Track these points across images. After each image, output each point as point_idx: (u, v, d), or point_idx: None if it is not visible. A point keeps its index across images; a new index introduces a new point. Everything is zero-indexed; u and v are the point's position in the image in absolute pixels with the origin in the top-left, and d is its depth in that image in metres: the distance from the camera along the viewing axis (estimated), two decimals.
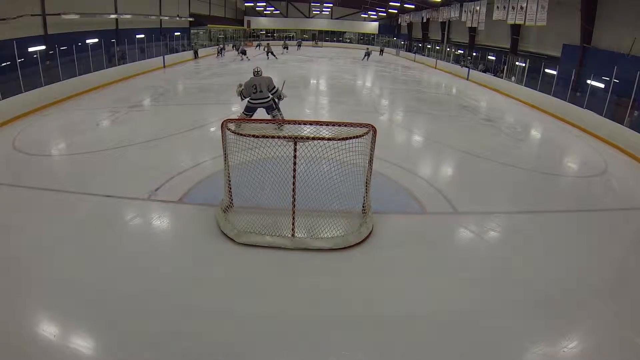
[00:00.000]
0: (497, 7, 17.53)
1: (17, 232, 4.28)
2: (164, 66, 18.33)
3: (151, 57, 17.65)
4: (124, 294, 3.43)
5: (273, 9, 39.00)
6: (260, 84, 7.28)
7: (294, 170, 4.20)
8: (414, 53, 29.80)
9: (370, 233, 4.44)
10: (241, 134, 4.21)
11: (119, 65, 14.75)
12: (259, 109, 7.44)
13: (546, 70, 14.13)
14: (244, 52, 23.47)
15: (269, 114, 7.50)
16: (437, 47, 27.50)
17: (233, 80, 14.17)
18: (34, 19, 13.36)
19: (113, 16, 18.12)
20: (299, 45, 34.42)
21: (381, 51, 33.14)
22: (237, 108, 10.95)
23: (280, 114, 7.62)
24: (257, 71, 7.52)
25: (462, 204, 5.38)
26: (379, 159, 5.30)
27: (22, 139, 7.33)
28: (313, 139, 4.47)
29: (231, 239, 4.22)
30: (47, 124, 8.65)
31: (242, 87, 7.37)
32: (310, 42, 39.13)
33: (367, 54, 27.00)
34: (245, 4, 37.68)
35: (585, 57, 13.82)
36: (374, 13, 37.78)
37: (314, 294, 3.58)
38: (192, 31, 27.44)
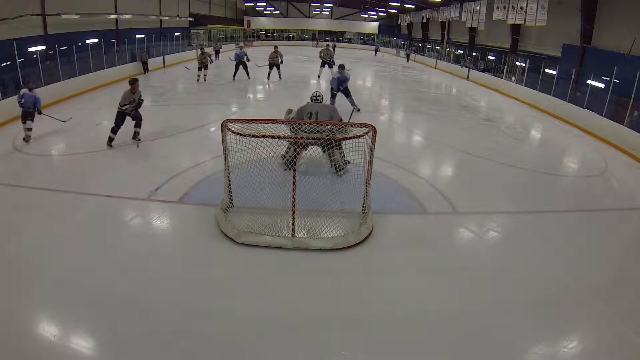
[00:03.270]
0: (497, 7, 17.54)
1: (17, 232, 4.28)
2: (164, 66, 18.32)
3: (151, 57, 17.63)
4: (124, 294, 3.43)
5: (273, 9, 39.02)
6: (318, 114, 5.70)
7: (294, 170, 4.20)
8: (414, 53, 29.79)
9: (370, 233, 4.44)
10: (241, 134, 4.21)
11: (119, 65, 14.76)
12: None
13: (546, 70, 14.14)
14: (205, 66, 14.35)
15: (324, 152, 5.65)
16: (437, 47, 27.48)
17: (233, 80, 14.20)
18: (34, 19, 13.36)
19: (113, 16, 18.12)
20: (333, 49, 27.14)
21: (407, 57, 28.30)
22: (236, 108, 10.97)
23: (342, 155, 5.69)
24: (317, 96, 6.03)
25: (462, 204, 5.38)
26: (379, 159, 5.30)
27: (22, 139, 7.32)
28: (313, 139, 4.48)
29: (231, 239, 4.22)
30: (47, 123, 8.63)
31: (293, 113, 5.99)
32: (310, 42, 39.09)
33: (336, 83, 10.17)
34: (245, 4, 37.69)
35: (585, 57, 13.82)
36: (374, 13, 37.79)
37: (314, 294, 3.58)
38: (192, 31, 27.42)
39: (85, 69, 12.40)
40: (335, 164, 5.78)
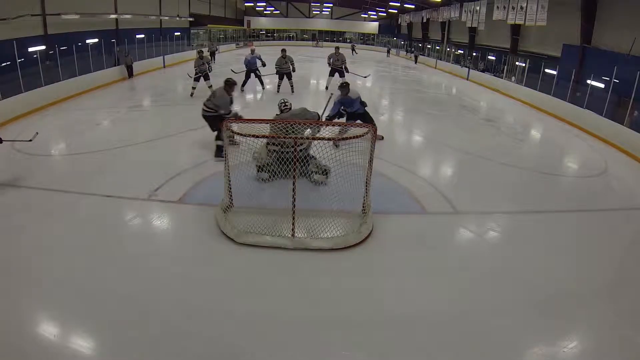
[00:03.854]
0: (497, 7, 17.55)
1: (17, 232, 4.28)
2: (164, 66, 18.33)
3: (151, 57, 17.64)
4: (124, 293, 3.43)
5: (273, 9, 39.05)
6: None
7: (294, 170, 4.20)
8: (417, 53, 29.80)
9: (370, 233, 4.44)
10: (241, 134, 4.21)
11: (118, 65, 14.76)
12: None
13: (546, 70, 14.14)
14: (205, 75, 11.71)
15: (302, 167, 5.30)
16: (437, 47, 27.50)
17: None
18: (34, 19, 13.37)
19: (113, 16, 18.14)
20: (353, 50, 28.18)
21: (416, 58, 27.27)
22: (236, 108, 10.95)
23: (316, 164, 5.41)
24: (285, 102, 5.72)
25: (462, 204, 5.38)
26: (379, 159, 5.30)
27: (22, 139, 7.32)
28: (313, 139, 4.48)
29: (231, 239, 4.22)
30: (47, 124, 8.65)
31: (259, 153, 5.09)
32: (310, 43, 39.16)
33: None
34: (245, 4, 37.70)
35: (585, 57, 13.82)
36: (374, 13, 37.80)
37: (314, 294, 3.58)
38: (192, 31, 27.42)
39: (86, 69, 12.40)
40: (309, 177, 5.41)
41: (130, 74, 14.95)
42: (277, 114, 5.74)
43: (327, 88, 12.83)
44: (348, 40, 38.75)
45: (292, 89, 12.38)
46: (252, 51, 12.63)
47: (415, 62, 26.95)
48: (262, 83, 12.68)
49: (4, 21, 11.87)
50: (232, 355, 2.90)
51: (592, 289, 3.82)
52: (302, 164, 5.20)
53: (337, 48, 13.17)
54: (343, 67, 12.87)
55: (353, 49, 28.36)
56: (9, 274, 3.62)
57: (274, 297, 3.50)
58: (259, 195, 4.61)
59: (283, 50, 12.38)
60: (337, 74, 12.77)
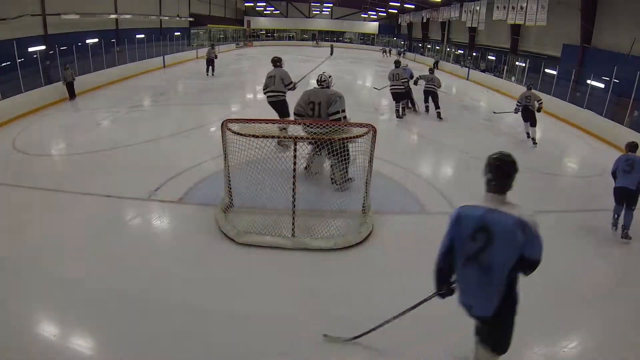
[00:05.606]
0: (497, 7, 17.56)
1: (17, 232, 4.28)
2: (164, 66, 18.33)
3: (151, 57, 17.65)
4: (124, 294, 3.42)
5: (273, 9, 39.07)
6: (320, 104, 5.08)
7: (294, 170, 4.20)
8: (414, 53, 29.84)
9: (370, 233, 4.44)
10: (241, 134, 4.21)
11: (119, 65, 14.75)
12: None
13: (546, 70, 14.15)
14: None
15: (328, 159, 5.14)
16: (437, 47, 27.49)
17: (233, 80, 14.17)
18: (34, 19, 13.39)
19: (113, 16, 18.15)
20: (387, 52, 30.44)
21: (435, 64, 21.74)
22: (237, 108, 10.98)
23: (345, 171, 5.06)
24: (322, 80, 5.38)
25: (462, 204, 5.36)
26: (378, 159, 5.29)
27: (22, 139, 7.32)
28: (313, 139, 4.47)
29: (231, 239, 4.22)
30: (47, 124, 8.65)
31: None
32: (310, 43, 39.20)
33: None
34: (245, 4, 37.73)
35: (585, 57, 13.82)
36: (374, 13, 37.80)
37: (314, 294, 3.57)
38: (192, 31, 27.44)
39: (86, 69, 12.40)
40: (332, 178, 5.36)
41: (72, 94, 10.78)
42: (314, 87, 5.53)
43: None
44: (350, 40, 38.67)
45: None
46: (397, 64, 9.73)
47: (436, 68, 23.67)
48: (413, 104, 10.10)
49: (4, 21, 11.89)
50: (232, 355, 2.90)
51: (592, 289, 3.82)
52: (330, 158, 4.96)
53: (436, 64, 8.72)
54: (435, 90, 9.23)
55: (388, 52, 30.84)
56: (9, 273, 3.62)
57: (274, 297, 3.50)
58: (259, 195, 4.60)
59: (396, 63, 9.41)
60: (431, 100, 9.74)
